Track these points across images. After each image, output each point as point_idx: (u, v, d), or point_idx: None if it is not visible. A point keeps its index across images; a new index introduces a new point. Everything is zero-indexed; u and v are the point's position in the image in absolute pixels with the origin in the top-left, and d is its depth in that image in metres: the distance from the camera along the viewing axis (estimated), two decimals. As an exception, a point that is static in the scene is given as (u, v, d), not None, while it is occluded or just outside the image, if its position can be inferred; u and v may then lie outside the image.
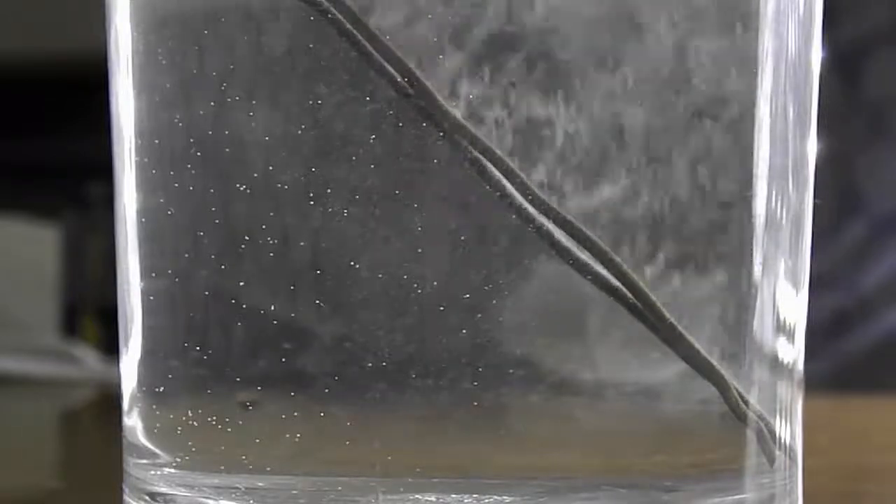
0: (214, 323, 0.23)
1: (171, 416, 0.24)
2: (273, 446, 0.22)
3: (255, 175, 0.22)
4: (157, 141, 0.23)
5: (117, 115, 0.24)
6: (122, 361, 0.25)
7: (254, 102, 0.22)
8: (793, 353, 0.24)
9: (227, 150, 0.22)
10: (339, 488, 0.22)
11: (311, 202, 0.22)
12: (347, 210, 0.22)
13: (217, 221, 0.23)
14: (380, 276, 0.21)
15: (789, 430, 0.24)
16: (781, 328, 0.24)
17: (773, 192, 0.23)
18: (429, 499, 0.21)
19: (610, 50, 0.22)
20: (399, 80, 0.21)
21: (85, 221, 1.70)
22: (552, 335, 0.22)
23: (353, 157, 0.22)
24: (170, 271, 0.23)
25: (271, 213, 0.22)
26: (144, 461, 0.24)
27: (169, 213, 0.23)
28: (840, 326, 1.10)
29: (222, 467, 0.23)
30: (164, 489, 0.23)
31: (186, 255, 0.23)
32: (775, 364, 0.24)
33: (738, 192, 0.23)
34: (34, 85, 1.86)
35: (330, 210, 0.22)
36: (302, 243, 0.22)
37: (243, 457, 0.22)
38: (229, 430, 0.23)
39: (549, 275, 0.22)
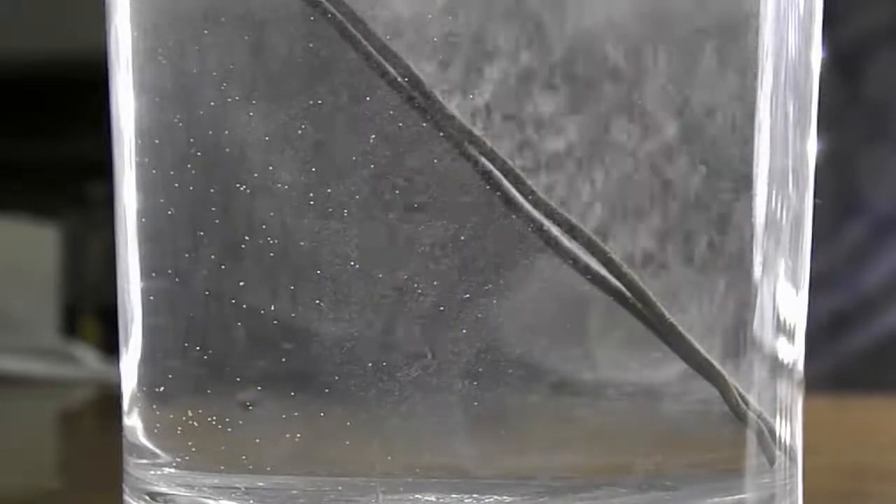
0: (214, 323, 0.23)
1: (171, 416, 0.24)
2: (273, 446, 0.22)
3: (255, 175, 0.22)
4: (157, 141, 0.23)
5: (117, 115, 0.24)
6: (122, 361, 0.25)
7: (254, 102, 0.22)
8: (793, 353, 0.24)
9: (227, 150, 0.22)
10: (339, 488, 0.22)
11: (311, 202, 0.22)
12: (347, 210, 0.22)
13: (217, 221, 0.23)
14: (380, 276, 0.21)
15: (789, 430, 0.24)
16: (781, 328, 0.24)
17: (773, 192, 0.23)
18: (429, 499, 0.21)
19: (608, 50, 0.22)
20: (399, 80, 0.21)
21: (85, 221, 1.70)
22: (552, 335, 0.22)
23: (353, 157, 0.22)
24: (170, 271, 0.23)
25: (271, 213, 0.22)
26: (144, 461, 0.24)
27: (169, 213, 0.23)
28: (840, 326, 1.10)
29: (222, 467, 0.23)
30: (164, 489, 0.23)
31: (186, 255, 0.23)
32: (775, 364, 0.24)
33: (738, 192, 0.23)
34: (34, 85, 1.86)
35: (330, 210, 0.22)
36: (302, 243, 0.22)
37: (243, 457, 0.22)
38: (229, 430, 0.23)
39: (550, 275, 0.22)
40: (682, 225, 0.22)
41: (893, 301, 1.13)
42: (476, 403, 0.21)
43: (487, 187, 0.21)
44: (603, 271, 0.22)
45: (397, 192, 0.21)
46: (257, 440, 0.22)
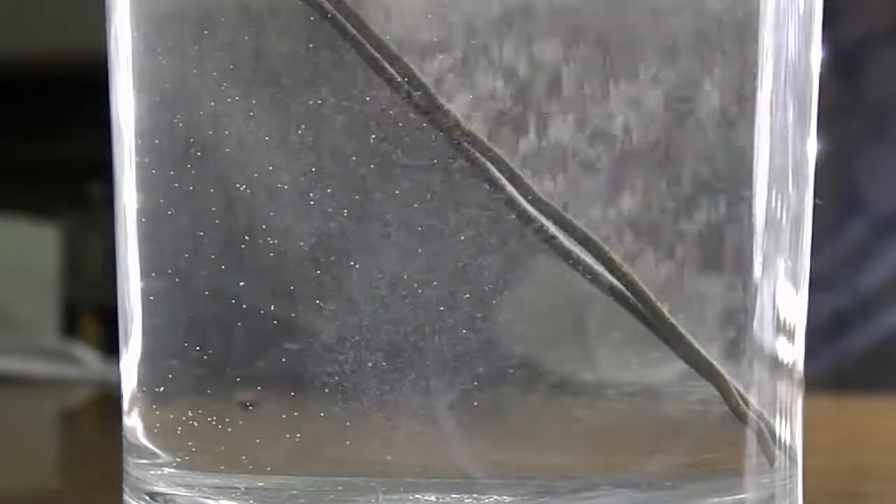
0: (214, 323, 0.23)
1: (171, 416, 0.24)
2: (273, 446, 0.22)
3: (255, 175, 0.22)
4: (157, 141, 0.23)
5: (117, 115, 0.24)
6: (122, 361, 0.25)
7: (254, 102, 0.22)
8: (793, 353, 0.24)
9: (227, 150, 0.22)
10: (339, 488, 0.22)
11: (311, 202, 0.22)
12: (347, 210, 0.22)
13: (217, 221, 0.23)
14: (380, 276, 0.21)
15: (789, 430, 0.24)
16: (781, 328, 0.24)
17: (773, 192, 0.23)
18: (429, 499, 0.21)
19: (608, 50, 0.22)
20: (399, 80, 0.21)
21: (85, 221, 1.70)
22: (552, 335, 0.22)
23: (353, 157, 0.22)
24: (170, 271, 0.23)
25: (271, 213, 0.22)
26: (144, 461, 0.24)
27: (169, 213, 0.23)
28: (840, 326, 1.10)
29: (222, 467, 0.23)
30: (164, 489, 0.23)
31: (186, 255, 0.23)
32: (775, 364, 0.24)
33: (738, 192, 0.23)
34: (34, 85, 1.86)
35: (330, 210, 0.22)
36: (302, 243, 0.22)
37: (243, 457, 0.22)
38: (229, 430, 0.23)
39: (550, 275, 0.22)
40: (682, 225, 0.22)
41: (893, 301, 1.13)
42: (476, 403, 0.21)
43: (487, 187, 0.21)
44: (603, 271, 0.22)
45: (397, 192, 0.21)
46: (257, 440, 0.22)
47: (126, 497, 0.24)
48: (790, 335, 0.24)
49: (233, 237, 0.22)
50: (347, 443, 0.22)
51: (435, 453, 0.22)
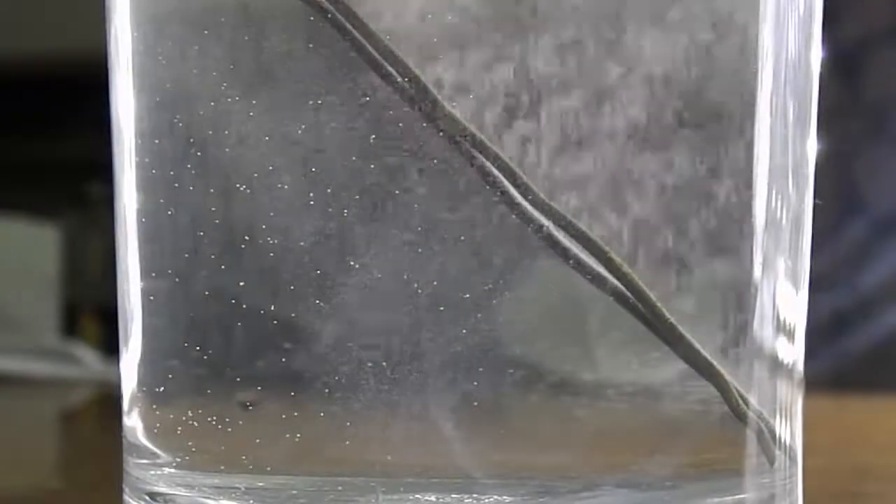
0: (214, 323, 0.23)
1: (171, 416, 0.24)
2: (273, 446, 0.22)
3: (255, 175, 0.22)
4: (157, 141, 0.23)
5: (117, 115, 0.24)
6: (122, 361, 0.25)
7: (254, 102, 0.22)
8: (793, 353, 0.24)
9: (227, 150, 0.22)
10: (339, 488, 0.22)
11: (311, 202, 0.22)
12: (347, 210, 0.22)
13: (217, 221, 0.23)
14: (380, 276, 0.21)
15: (789, 430, 0.24)
16: (781, 328, 0.24)
17: (773, 192, 0.23)
18: (429, 499, 0.21)
19: (609, 49, 0.22)
20: (399, 80, 0.21)
21: (85, 221, 1.70)
22: (552, 335, 0.22)
23: (353, 157, 0.22)
24: (170, 271, 0.23)
25: (271, 213, 0.22)
26: (144, 461, 0.24)
27: (169, 213, 0.23)
28: (840, 326, 1.10)
29: (222, 467, 0.23)
30: (164, 489, 0.23)
31: (186, 255, 0.23)
32: (775, 364, 0.24)
33: (738, 191, 0.23)
34: (34, 85, 1.86)
35: (330, 210, 0.22)
36: (302, 243, 0.22)
37: (243, 457, 0.22)
38: (229, 430, 0.23)
39: (550, 275, 0.22)
40: (682, 225, 0.22)
41: (893, 301, 1.13)
42: (476, 403, 0.21)
43: (487, 187, 0.21)
44: (603, 271, 0.22)
45: (397, 192, 0.21)
46: (257, 440, 0.22)
47: (126, 497, 0.24)
48: (790, 335, 0.24)
49: (233, 237, 0.22)
50: (347, 443, 0.22)
51: (435, 453, 0.22)
